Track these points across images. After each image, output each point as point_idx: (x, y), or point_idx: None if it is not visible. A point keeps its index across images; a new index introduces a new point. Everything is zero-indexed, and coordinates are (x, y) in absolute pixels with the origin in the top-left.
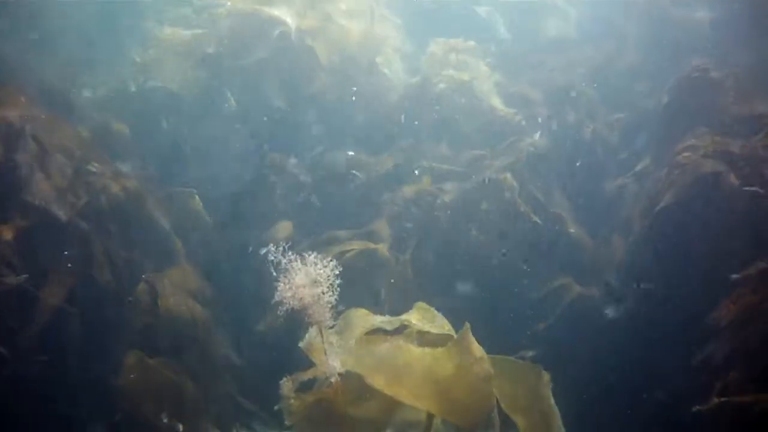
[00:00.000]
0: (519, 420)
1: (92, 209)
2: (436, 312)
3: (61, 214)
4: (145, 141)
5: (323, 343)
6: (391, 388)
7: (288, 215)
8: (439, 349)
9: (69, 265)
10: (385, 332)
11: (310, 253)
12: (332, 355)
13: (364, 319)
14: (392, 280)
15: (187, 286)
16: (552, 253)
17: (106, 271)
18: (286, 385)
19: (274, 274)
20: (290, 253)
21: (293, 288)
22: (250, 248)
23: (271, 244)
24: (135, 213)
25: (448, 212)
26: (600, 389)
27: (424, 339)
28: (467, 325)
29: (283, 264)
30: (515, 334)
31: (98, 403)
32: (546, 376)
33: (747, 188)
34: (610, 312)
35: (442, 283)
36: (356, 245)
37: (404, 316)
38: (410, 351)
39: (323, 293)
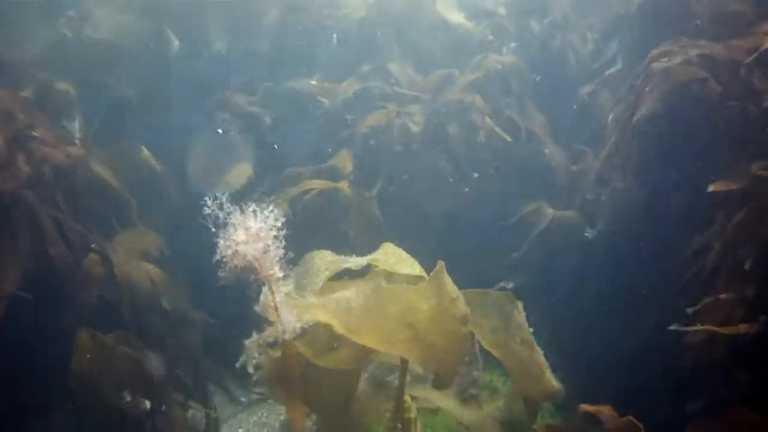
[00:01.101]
0: (500, 354)
1: (36, 181)
2: (403, 252)
3: (3, 188)
4: (90, 98)
5: (274, 300)
6: (360, 335)
7: (245, 156)
8: (412, 290)
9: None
10: (351, 276)
11: (249, 204)
12: (286, 311)
13: (326, 262)
14: (358, 220)
15: (144, 248)
16: (526, 176)
17: (59, 245)
18: (251, 343)
19: (213, 230)
20: (228, 205)
21: (233, 245)
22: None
23: (207, 198)
24: (83, 179)
25: (415, 140)
26: (582, 317)
27: (392, 281)
28: (441, 263)
29: (221, 219)
30: (490, 265)
31: (61, 390)
32: (520, 305)
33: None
34: (588, 234)
35: (412, 219)
36: (316, 184)
37: (370, 257)
38: (379, 294)
39: (268, 247)
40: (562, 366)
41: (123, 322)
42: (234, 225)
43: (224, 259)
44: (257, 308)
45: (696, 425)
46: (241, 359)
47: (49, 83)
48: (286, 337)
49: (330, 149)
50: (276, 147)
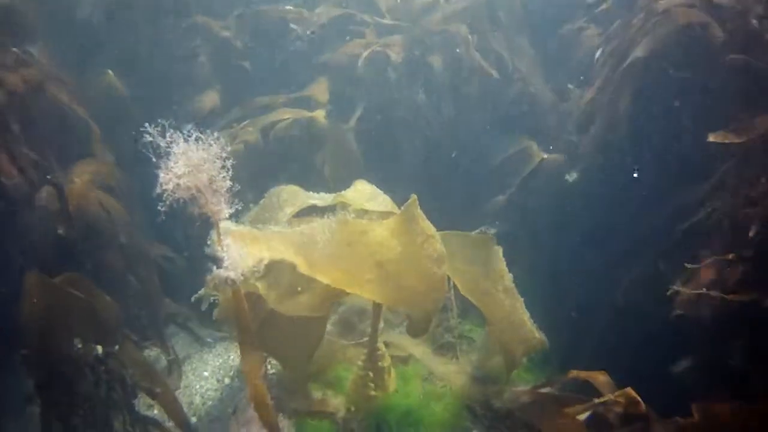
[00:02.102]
0: (480, 302)
1: None
2: (376, 189)
3: None
4: (54, 21)
5: (220, 238)
6: (325, 274)
7: (215, 83)
8: (381, 224)
9: None
10: (319, 215)
11: (191, 132)
12: (234, 251)
13: (293, 197)
14: (334, 154)
15: (105, 179)
16: (512, 114)
17: (12, 175)
18: (209, 281)
19: (154, 160)
20: (170, 132)
21: (173, 177)
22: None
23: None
24: (41, 105)
25: (394, 72)
26: (564, 268)
27: (363, 219)
28: (414, 197)
29: (162, 148)
30: (473, 209)
31: (12, 335)
32: (500, 251)
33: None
34: (568, 177)
35: (390, 156)
36: (290, 113)
37: (340, 194)
38: (345, 228)
39: (213, 179)
40: (543, 318)
41: (78, 259)
42: (176, 155)
43: (165, 193)
44: (206, 247)
45: (702, 408)
46: (197, 295)
47: (8, 4)
48: (233, 277)
49: (304, 78)
50: (248, 74)
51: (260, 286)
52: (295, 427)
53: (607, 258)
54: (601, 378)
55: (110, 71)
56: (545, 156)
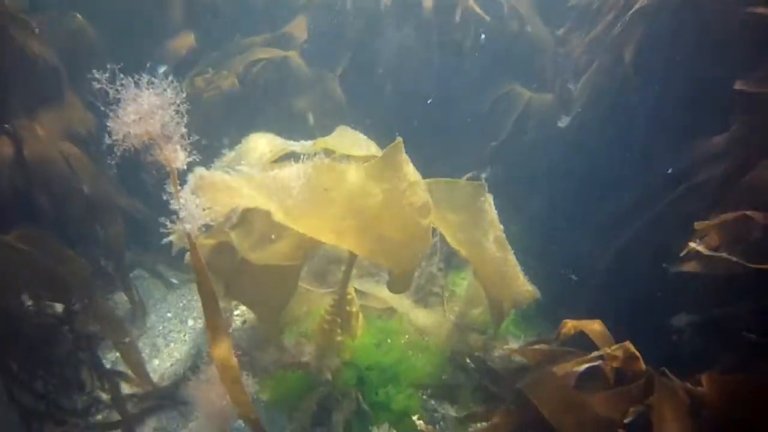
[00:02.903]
0: (469, 254)
1: None
2: (361, 135)
3: None
4: None
5: (177, 188)
6: (300, 222)
7: (190, 25)
8: (361, 168)
9: None
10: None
11: (139, 76)
12: (192, 204)
13: (270, 144)
14: (317, 100)
15: (72, 126)
16: (508, 58)
17: None
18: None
19: (102, 109)
20: (121, 77)
21: (122, 126)
22: (148, 64)
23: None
24: (4, 49)
25: (382, 12)
26: (556, 217)
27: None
28: (398, 140)
29: (110, 95)
30: (463, 156)
31: None
32: (490, 198)
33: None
34: (561, 123)
35: (376, 102)
36: (264, 53)
37: (320, 140)
38: (322, 172)
39: (165, 125)
40: (535, 271)
41: (39, 213)
42: (124, 101)
43: (116, 142)
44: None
45: (713, 378)
46: (164, 241)
47: None
48: (188, 231)
49: (288, 20)
50: (224, 16)
51: (233, 235)
52: (259, 384)
53: (602, 211)
54: (596, 328)
55: (78, 14)
56: (535, 96)
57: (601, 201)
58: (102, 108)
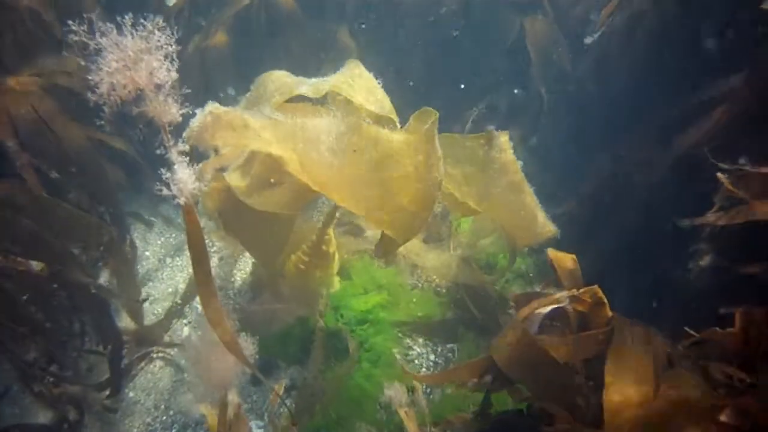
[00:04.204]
0: (478, 205)
1: None
2: (371, 78)
3: None
4: None
5: (169, 149)
6: (320, 183)
7: None
8: (401, 141)
9: None
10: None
11: (124, 16)
12: (182, 168)
13: (282, 85)
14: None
15: (52, 79)
16: None
17: None
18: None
19: (82, 63)
20: (101, 24)
21: (105, 76)
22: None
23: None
24: None
25: None
26: (568, 151)
27: (352, 112)
28: (434, 115)
29: (91, 46)
30: (467, 88)
31: None
32: (505, 140)
33: None
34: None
35: (388, 35)
36: None
37: (332, 80)
38: (358, 135)
39: (154, 72)
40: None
41: (15, 165)
42: (107, 46)
43: (101, 96)
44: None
45: (747, 314)
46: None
47: None
48: (182, 202)
49: None
50: None
51: (233, 177)
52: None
53: (623, 145)
54: (568, 265)
55: None
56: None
57: (619, 133)
58: (83, 62)
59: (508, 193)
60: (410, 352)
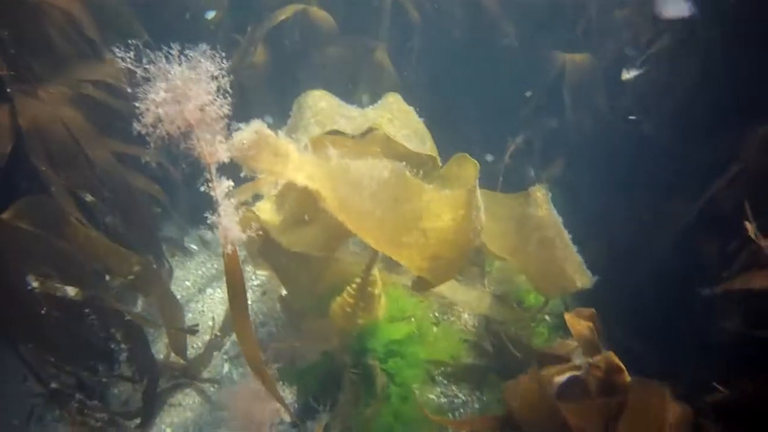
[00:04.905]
0: (510, 258)
1: None
2: (411, 112)
3: None
4: None
5: (215, 193)
6: (359, 226)
7: None
8: (443, 196)
9: None
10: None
11: (173, 48)
12: (229, 216)
13: (319, 109)
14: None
15: (83, 89)
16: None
17: None
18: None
19: (129, 90)
20: (147, 52)
21: (153, 107)
22: (188, 14)
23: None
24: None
25: None
26: (613, 189)
27: (393, 152)
28: (476, 166)
29: (138, 74)
30: (502, 121)
31: None
32: (543, 197)
33: None
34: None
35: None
36: (283, 13)
37: (371, 115)
38: (401, 185)
39: (204, 107)
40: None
41: (46, 183)
42: (153, 77)
43: (146, 129)
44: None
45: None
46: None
47: None
48: (228, 250)
49: None
50: None
51: (265, 209)
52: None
53: (653, 190)
54: (583, 331)
55: None
56: (570, 57)
57: (650, 178)
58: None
59: (541, 248)
60: (439, 390)
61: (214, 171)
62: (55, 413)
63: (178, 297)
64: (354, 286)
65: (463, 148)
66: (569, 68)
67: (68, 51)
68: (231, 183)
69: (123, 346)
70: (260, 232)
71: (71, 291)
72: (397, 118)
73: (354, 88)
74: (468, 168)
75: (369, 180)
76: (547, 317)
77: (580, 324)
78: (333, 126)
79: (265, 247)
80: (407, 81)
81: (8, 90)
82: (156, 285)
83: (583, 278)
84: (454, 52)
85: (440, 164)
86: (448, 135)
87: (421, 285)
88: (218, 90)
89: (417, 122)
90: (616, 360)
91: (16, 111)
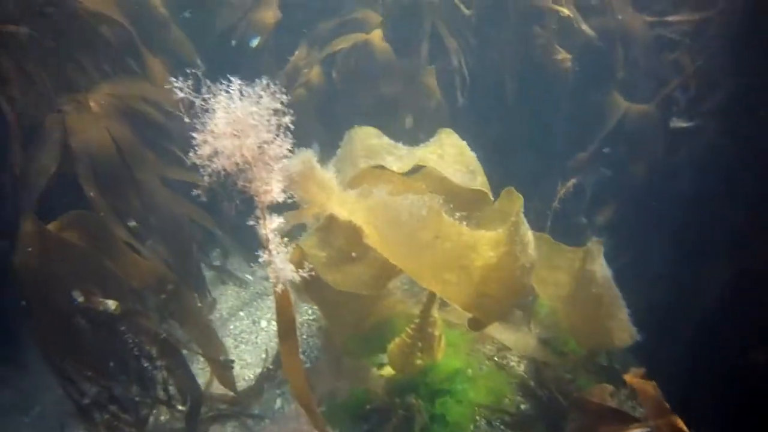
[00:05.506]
0: (565, 310)
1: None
2: (466, 148)
3: None
4: None
5: (267, 233)
6: (401, 261)
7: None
8: (481, 236)
9: None
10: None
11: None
12: (281, 257)
13: (369, 144)
14: (405, 89)
15: (134, 104)
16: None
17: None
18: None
19: (187, 120)
20: (207, 83)
21: (211, 140)
22: (233, 41)
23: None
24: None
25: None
26: (662, 244)
27: (445, 188)
28: (520, 201)
29: (197, 104)
30: (554, 162)
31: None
32: (599, 255)
33: None
34: (677, 122)
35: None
36: (346, 42)
37: (420, 153)
38: (438, 224)
39: (265, 144)
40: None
41: (88, 201)
42: (214, 109)
43: (202, 161)
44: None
45: None
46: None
47: None
48: (278, 290)
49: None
50: None
51: (310, 242)
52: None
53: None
54: (649, 391)
55: None
56: (633, 106)
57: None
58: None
59: (588, 302)
60: None
61: (266, 211)
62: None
63: (231, 327)
64: (413, 326)
65: (513, 182)
66: (631, 117)
67: (116, 64)
68: (282, 220)
69: (160, 364)
70: (317, 279)
71: (112, 305)
72: (448, 153)
73: (399, 109)
74: (513, 203)
75: (408, 217)
76: (589, 366)
77: (647, 384)
78: (380, 162)
79: (311, 283)
80: (455, 108)
81: (59, 100)
82: (192, 313)
83: (625, 336)
84: (505, 81)
85: (492, 198)
86: (500, 167)
87: (476, 324)
88: (279, 128)
89: (469, 157)
90: (680, 424)
91: (66, 125)
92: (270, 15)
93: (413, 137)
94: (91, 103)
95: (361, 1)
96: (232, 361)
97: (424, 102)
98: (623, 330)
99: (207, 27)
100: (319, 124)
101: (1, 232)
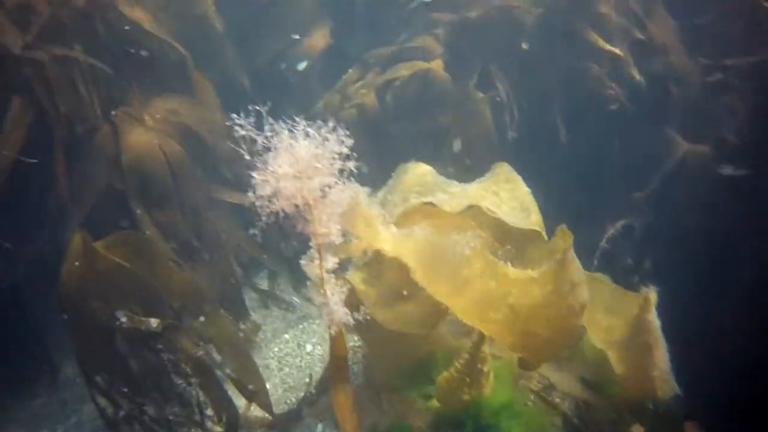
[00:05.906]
0: (613, 355)
1: (49, 29)
2: (521, 185)
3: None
4: None
5: (322, 276)
6: (447, 299)
7: (324, 21)
8: (530, 274)
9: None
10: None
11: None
12: (337, 298)
13: (421, 182)
14: (460, 120)
15: (186, 120)
16: (655, 99)
17: (68, 111)
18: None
19: (248, 157)
20: (270, 121)
21: (272, 181)
22: (283, 65)
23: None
24: (111, 26)
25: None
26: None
27: (493, 225)
28: (569, 238)
29: (259, 142)
30: (609, 201)
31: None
32: (652, 303)
33: None
34: (725, 170)
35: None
36: (406, 69)
37: (474, 190)
38: (483, 264)
39: (327, 187)
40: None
41: (135, 217)
42: (277, 149)
43: (261, 202)
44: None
45: None
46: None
47: None
48: (333, 332)
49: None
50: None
51: (357, 277)
52: None
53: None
54: None
55: None
56: (692, 147)
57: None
58: (248, 156)
59: (636, 350)
60: None
61: (322, 251)
62: None
63: (275, 350)
64: (462, 361)
65: (564, 219)
66: (690, 160)
67: (165, 83)
68: (336, 260)
69: (195, 382)
70: (367, 317)
71: (154, 323)
72: (503, 189)
73: (450, 135)
74: (563, 241)
75: (452, 256)
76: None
77: None
78: (431, 199)
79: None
80: (505, 140)
81: (113, 113)
82: (227, 336)
83: (666, 389)
84: (555, 115)
85: (545, 237)
86: (550, 203)
87: (526, 364)
88: (341, 172)
89: (524, 193)
90: None
91: (119, 139)
92: (321, 41)
93: (460, 162)
94: (146, 117)
95: (417, 29)
96: (264, 389)
97: (475, 130)
98: (665, 381)
99: (259, 48)
100: (368, 147)
101: (44, 241)
